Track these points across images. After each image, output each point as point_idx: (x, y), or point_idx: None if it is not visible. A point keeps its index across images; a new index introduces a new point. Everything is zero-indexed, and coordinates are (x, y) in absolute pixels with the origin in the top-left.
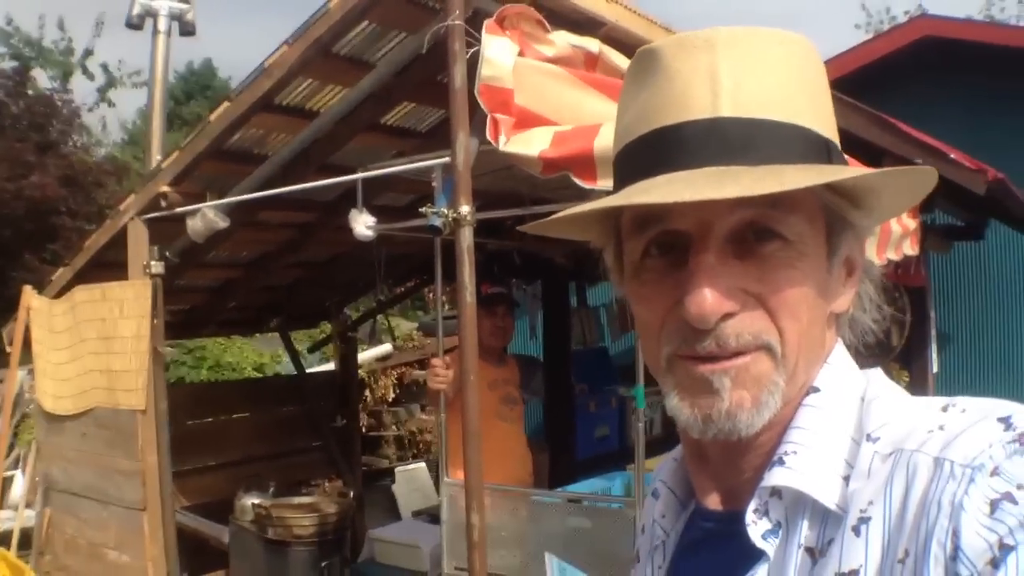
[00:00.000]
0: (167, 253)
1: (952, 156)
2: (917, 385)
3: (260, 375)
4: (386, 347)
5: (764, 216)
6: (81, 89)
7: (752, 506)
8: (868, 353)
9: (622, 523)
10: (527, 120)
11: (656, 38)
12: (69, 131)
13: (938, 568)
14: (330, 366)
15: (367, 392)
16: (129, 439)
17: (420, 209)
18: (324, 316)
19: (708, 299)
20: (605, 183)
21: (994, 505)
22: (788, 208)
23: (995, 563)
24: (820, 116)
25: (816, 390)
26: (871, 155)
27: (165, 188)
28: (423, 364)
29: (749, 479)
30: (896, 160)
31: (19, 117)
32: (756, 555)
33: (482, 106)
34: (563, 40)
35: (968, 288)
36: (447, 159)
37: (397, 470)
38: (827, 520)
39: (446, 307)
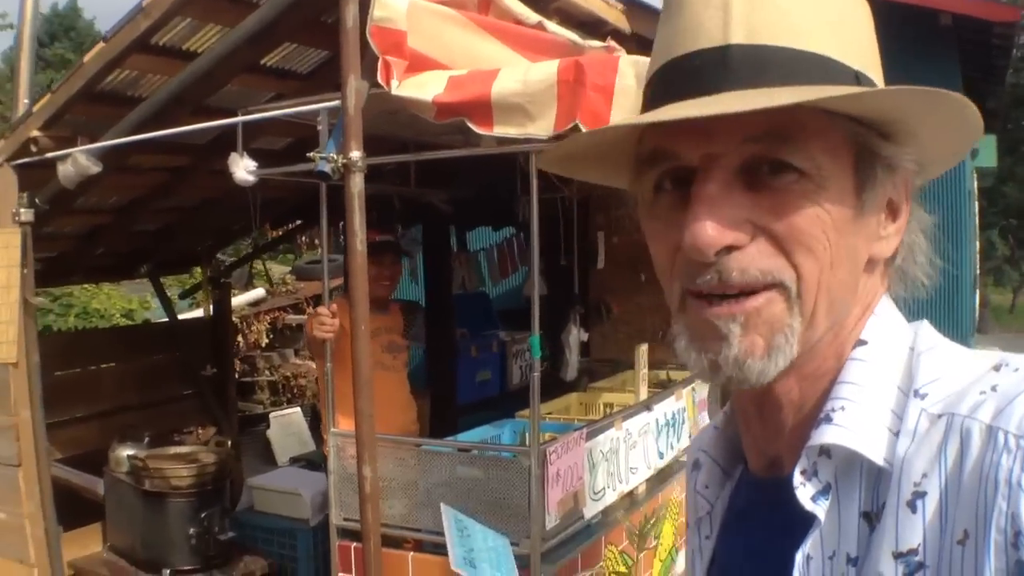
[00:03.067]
0: (37, 200)
1: None
2: None
3: (129, 322)
4: (259, 292)
5: (773, 149)
6: None
7: (799, 467)
8: None
9: (514, 471)
10: (420, 63)
11: None
12: None
13: (999, 555)
14: (200, 312)
15: (240, 338)
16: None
17: (308, 154)
18: (196, 262)
19: (705, 229)
20: (502, 129)
21: None
22: (801, 138)
23: None
24: (848, 46)
25: (863, 343)
26: None
27: (36, 133)
28: (296, 308)
29: (794, 439)
30: None
31: None
32: (807, 521)
33: (373, 48)
34: None
35: None
36: (335, 102)
37: (272, 416)
38: (879, 480)
39: (319, 252)
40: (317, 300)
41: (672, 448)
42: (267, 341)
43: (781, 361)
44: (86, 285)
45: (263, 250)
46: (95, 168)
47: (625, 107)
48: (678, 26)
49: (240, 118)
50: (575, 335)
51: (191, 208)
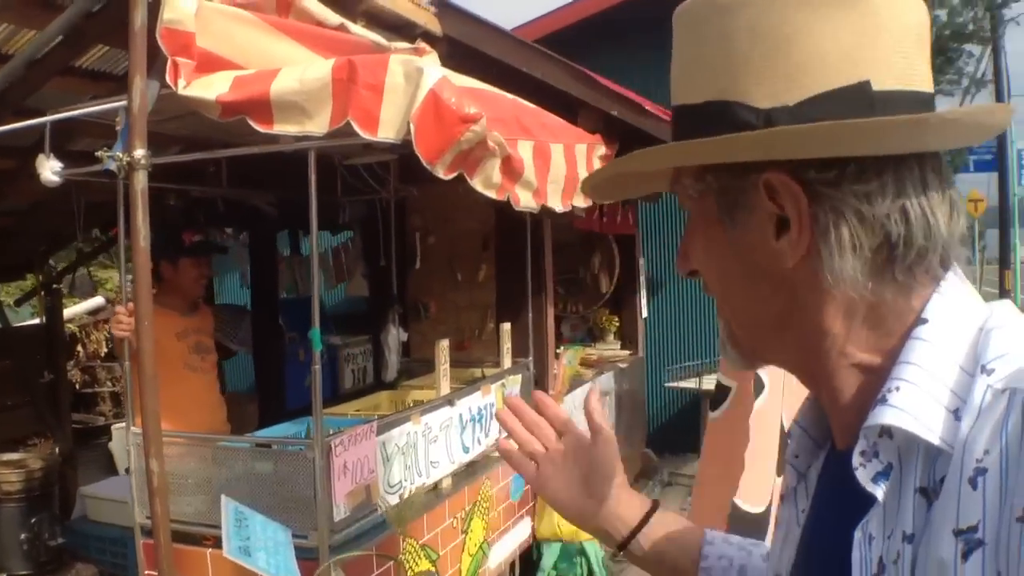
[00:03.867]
0: None
1: (647, 108)
2: (628, 329)
3: None
4: (98, 300)
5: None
6: None
7: (859, 448)
8: (578, 299)
9: (302, 465)
10: (210, 64)
11: None
12: None
13: None
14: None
15: (79, 347)
16: None
17: (96, 153)
18: (29, 268)
19: (678, 258)
20: (281, 127)
21: None
22: (680, 174)
23: None
24: (718, 80)
25: (924, 321)
26: (568, 106)
27: None
28: None
29: (846, 419)
30: (591, 111)
31: None
32: (870, 499)
33: (163, 49)
34: None
35: (675, 235)
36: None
37: (113, 427)
38: (937, 457)
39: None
40: None
41: (479, 443)
42: (107, 350)
43: (737, 361)
44: None
45: (89, 256)
46: None
47: (395, 103)
48: None
49: (47, 118)
50: (394, 335)
51: (21, 212)
